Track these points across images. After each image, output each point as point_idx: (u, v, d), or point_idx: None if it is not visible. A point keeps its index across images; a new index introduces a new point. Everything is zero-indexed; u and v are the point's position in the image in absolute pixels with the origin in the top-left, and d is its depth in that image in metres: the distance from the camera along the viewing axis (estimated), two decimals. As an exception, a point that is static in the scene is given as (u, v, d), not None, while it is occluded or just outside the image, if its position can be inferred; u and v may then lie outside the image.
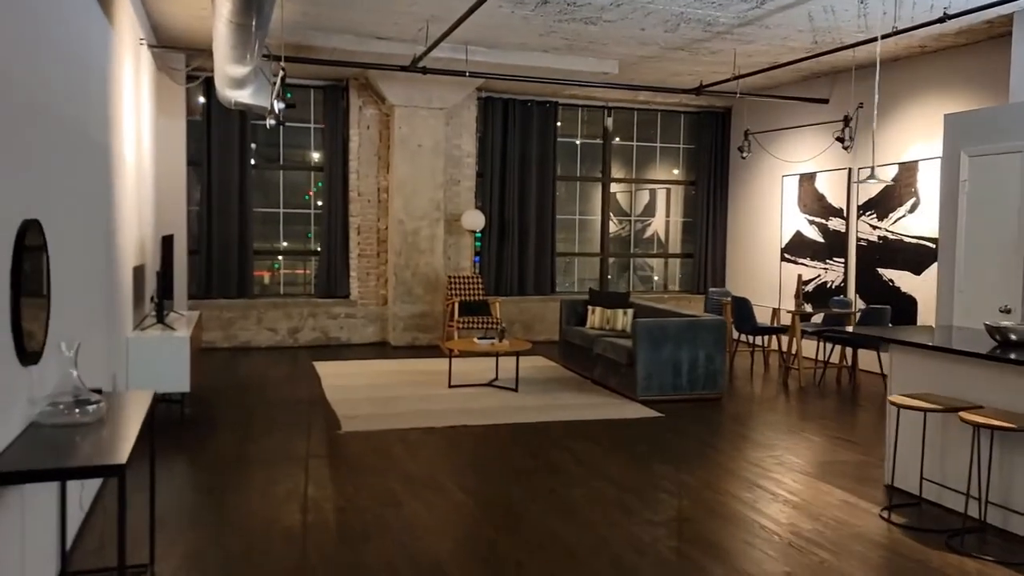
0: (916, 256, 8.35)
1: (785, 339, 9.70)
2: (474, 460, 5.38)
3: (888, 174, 8.61)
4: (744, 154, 9.53)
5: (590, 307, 8.70)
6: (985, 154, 6.11)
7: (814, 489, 4.83)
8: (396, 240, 10.07)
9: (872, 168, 6.66)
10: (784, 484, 4.92)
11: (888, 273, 8.72)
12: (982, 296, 6.13)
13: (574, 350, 8.56)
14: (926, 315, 8.19)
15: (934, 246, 8.11)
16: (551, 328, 10.89)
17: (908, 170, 8.44)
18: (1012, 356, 3.93)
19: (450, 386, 7.60)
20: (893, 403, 4.29)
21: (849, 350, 8.64)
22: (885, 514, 4.38)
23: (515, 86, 10.19)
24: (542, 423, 6.35)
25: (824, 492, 4.78)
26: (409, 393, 7.33)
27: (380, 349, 9.97)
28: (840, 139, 7.99)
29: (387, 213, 10.34)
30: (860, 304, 9.01)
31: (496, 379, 7.91)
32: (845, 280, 9.37)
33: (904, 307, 8.42)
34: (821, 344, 9.23)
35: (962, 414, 3.92)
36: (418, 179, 10.05)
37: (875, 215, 8.90)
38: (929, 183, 8.15)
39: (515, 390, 7.49)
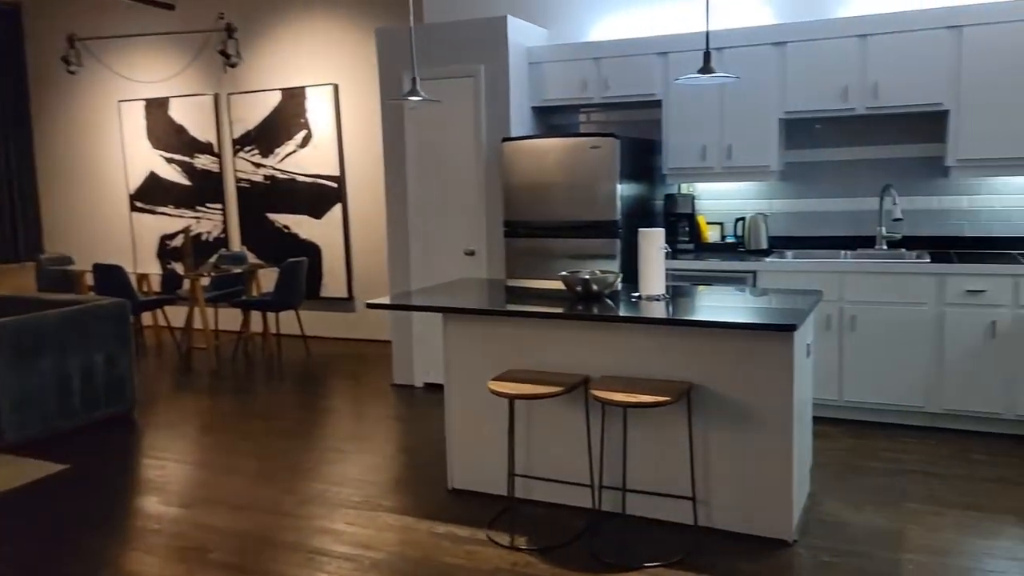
0: (314, 198, 7.35)
1: (174, 312, 7.77)
2: None
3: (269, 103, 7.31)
4: (72, 67, 6.95)
5: None
6: (435, 78, 5.37)
7: (384, 527, 3.45)
8: None
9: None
10: (341, 533, 3.39)
11: (281, 219, 7.52)
12: (441, 242, 5.49)
13: None
14: (333, 263, 7.33)
15: (336, 185, 7.24)
16: None
17: (294, 98, 7.29)
18: (639, 313, 3.25)
19: None
20: (500, 392, 3.20)
21: (256, 314, 7.24)
22: (501, 536, 3.31)
23: None
24: None
25: (398, 526, 3.44)
26: None
27: None
28: (225, 53, 6.32)
29: None
30: (253, 258, 7.62)
31: None
32: (226, 230, 7.80)
33: (308, 256, 7.38)
34: (215, 312, 7.56)
35: (598, 392, 3.09)
36: None
37: (257, 151, 7.53)
38: (320, 113, 7.17)
39: None
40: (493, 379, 3.33)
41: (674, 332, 3.23)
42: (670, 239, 5.23)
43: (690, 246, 5.19)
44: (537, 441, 3.56)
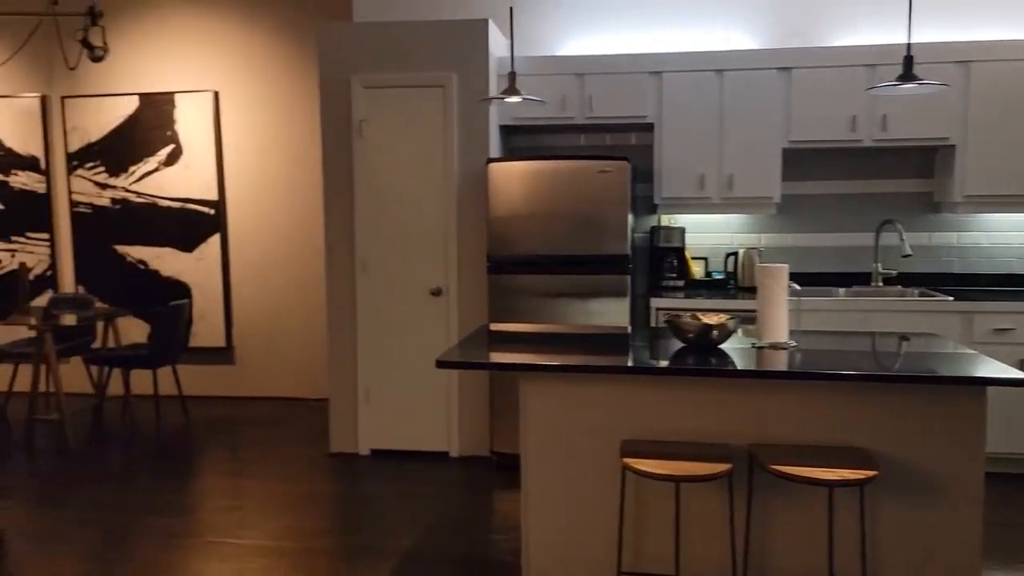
0: (183, 226, 6.00)
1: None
2: None
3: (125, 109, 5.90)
4: None
5: None
6: (393, 86, 4.49)
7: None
8: None
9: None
10: None
11: (136, 251, 6.07)
12: (397, 280, 4.59)
13: None
14: (207, 305, 6.01)
15: (213, 211, 5.97)
16: None
17: (158, 105, 5.94)
18: (772, 366, 2.70)
19: None
20: (654, 473, 2.48)
21: (104, 369, 5.72)
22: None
23: None
24: None
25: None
26: None
27: None
28: (88, 43, 4.93)
29: None
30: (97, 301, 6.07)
31: None
32: (55, 265, 6.16)
33: (172, 296, 6.01)
34: (45, 368, 5.91)
35: (784, 468, 2.49)
36: None
37: (103, 168, 6.04)
38: (194, 124, 5.90)
39: None
40: (628, 456, 2.61)
41: (833, 389, 2.73)
42: (656, 275, 4.77)
43: (680, 283, 4.75)
44: (647, 527, 2.88)
